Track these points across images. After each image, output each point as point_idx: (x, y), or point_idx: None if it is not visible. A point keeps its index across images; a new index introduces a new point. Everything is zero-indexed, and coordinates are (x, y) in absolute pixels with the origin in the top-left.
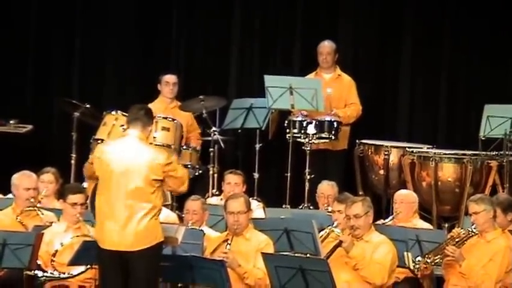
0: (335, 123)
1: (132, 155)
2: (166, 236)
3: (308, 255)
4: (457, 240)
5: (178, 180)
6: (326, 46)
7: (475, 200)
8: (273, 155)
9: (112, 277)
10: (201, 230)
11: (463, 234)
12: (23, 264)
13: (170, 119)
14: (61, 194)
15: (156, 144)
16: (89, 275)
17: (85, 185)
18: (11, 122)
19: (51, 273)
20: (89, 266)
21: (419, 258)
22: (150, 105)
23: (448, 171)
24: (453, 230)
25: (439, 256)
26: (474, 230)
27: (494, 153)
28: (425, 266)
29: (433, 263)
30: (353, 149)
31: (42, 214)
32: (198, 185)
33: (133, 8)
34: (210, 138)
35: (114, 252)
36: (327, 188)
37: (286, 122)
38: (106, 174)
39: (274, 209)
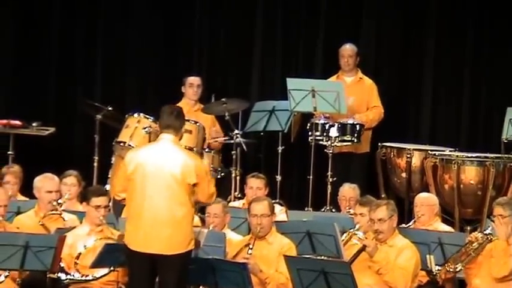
0: (357, 126)
1: (168, 159)
2: None
3: (330, 258)
4: (475, 244)
5: (208, 193)
6: (347, 49)
7: (501, 203)
8: (295, 157)
9: (142, 280)
10: (223, 233)
11: (481, 238)
12: (45, 266)
13: (193, 122)
14: (84, 197)
15: None
16: (111, 278)
17: (108, 187)
18: (34, 124)
19: (73, 275)
20: (112, 269)
21: (438, 268)
22: None
23: (470, 174)
24: (470, 235)
25: (459, 264)
26: (492, 232)
27: None
28: (448, 274)
29: (454, 271)
30: (375, 151)
31: (65, 219)
32: (220, 188)
33: (156, 10)
34: (232, 141)
35: (145, 255)
36: (348, 190)
37: (308, 124)
38: (140, 178)
39: (297, 211)
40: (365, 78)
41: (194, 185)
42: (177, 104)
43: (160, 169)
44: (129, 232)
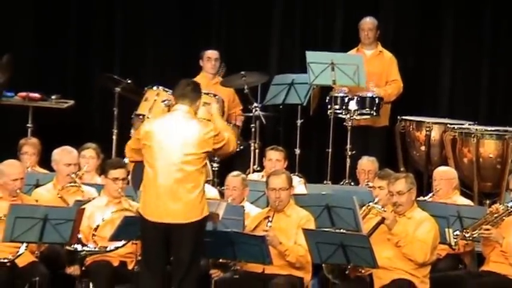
0: (377, 99)
1: (182, 130)
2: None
3: (349, 231)
4: (495, 215)
5: (226, 146)
6: (367, 22)
7: None
8: (314, 131)
9: (155, 252)
10: (242, 206)
11: (502, 210)
12: (64, 239)
13: (211, 95)
14: (102, 169)
15: None
16: (129, 250)
17: (126, 160)
18: (53, 97)
19: (91, 247)
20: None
21: (457, 232)
22: None
23: (489, 148)
24: (492, 206)
25: (477, 231)
26: None
27: None
28: (463, 241)
29: (471, 238)
30: (394, 125)
31: (83, 191)
32: (239, 161)
33: None
34: (251, 114)
35: (159, 225)
36: (367, 163)
37: (327, 98)
38: (155, 149)
39: (315, 185)
40: (385, 51)
41: (209, 151)
42: (195, 78)
43: (176, 139)
44: (143, 201)
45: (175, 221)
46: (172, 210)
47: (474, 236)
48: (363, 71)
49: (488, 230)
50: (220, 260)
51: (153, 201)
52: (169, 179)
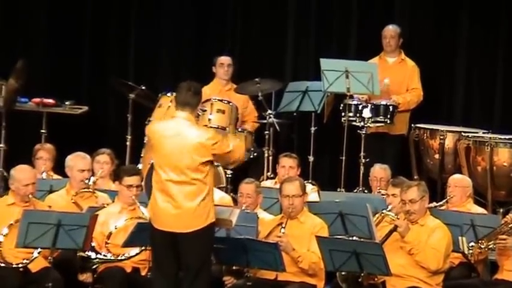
0: (391, 107)
1: (181, 137)
2: (221, 219)
3: (362, 239)
4: (510, 225)
5: (228, 156)
6: (390, 30)
7: None
8: (328, 138)
9: (165, 257)
10: (255, 213)
11: None
12: (77, 245)
13: (225, 102)
14: (116, 176)
15: (211, 127)
16: (142, 257)
17: (140, 166)
18: (67, 103)
19: (104, 255)
20: (143, 248)
21: (472, 243)
22: (205, 88)
23: (503, 156)
24: (507, 216)
25: (492, 242)
26: None
27: None
28: (479, 251)
29: (486, 249)
30: (409, 133)
31: (97, 197)
32: (253, 168)
33: None
34: (265, 121)
35: (166, 233)
36: (379, 171)
37: (341, 105)
38: (158, 157)
39: (329, 192)
40: (407, 59)
41: (210, 160)
42: (209, 84)
43: (176, 148)
44: (151, 210)
45: (178, 230)
46: (174, 220)
47: (490, 246)
48: (377, 79)
49: (504, 239)
50: (234, 267)
51: (157, 209)
52: (170, 186)
